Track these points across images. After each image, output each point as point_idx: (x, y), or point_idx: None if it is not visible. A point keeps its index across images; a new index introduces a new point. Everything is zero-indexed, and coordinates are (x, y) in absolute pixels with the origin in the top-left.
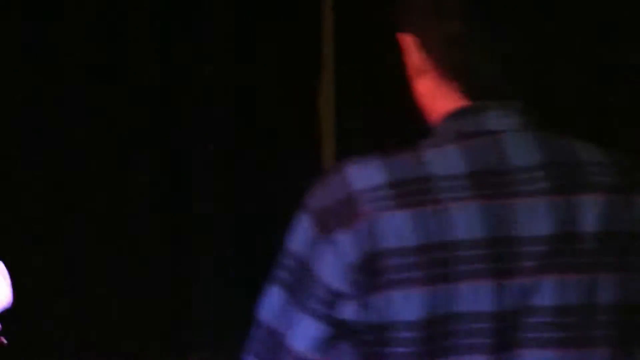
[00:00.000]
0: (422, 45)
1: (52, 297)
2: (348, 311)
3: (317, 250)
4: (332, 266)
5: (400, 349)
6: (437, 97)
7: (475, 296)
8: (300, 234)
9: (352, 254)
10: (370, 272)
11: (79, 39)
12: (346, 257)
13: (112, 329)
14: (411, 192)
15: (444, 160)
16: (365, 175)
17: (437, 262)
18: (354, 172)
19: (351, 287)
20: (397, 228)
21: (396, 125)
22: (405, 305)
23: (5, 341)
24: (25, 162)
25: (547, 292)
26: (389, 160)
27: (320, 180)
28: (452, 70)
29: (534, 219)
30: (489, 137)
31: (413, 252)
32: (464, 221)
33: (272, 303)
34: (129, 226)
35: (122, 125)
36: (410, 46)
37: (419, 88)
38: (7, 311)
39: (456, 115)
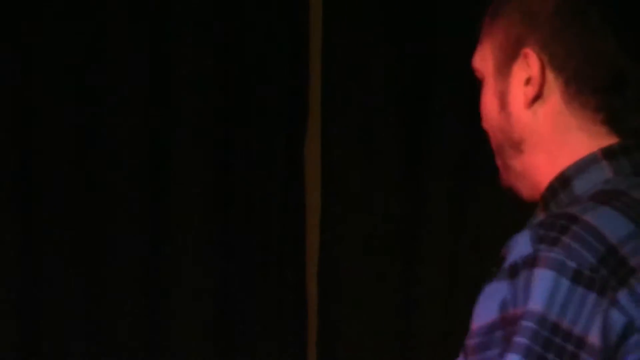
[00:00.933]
0: (551, 62)
1: None
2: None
3: (594, 315)
4: (609, 329)
5: None
6: (566, 127)
7: None
8: (561, 297)
9: (635, 313)
10: None
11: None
12: (628, 319)
13: None
14: None
15: None
16: (611, 224)
17: None
18: (599, 221)
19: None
20: None
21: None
22: None
23: None
24: None
25: None
26: (615, 206)
27: (549, 232)
28: (600, 94)
29: None
30: None
31: None
32: None
33: None
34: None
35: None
36: (530, 65)
37: (531, 115)
38: None
39: (622, 152)
